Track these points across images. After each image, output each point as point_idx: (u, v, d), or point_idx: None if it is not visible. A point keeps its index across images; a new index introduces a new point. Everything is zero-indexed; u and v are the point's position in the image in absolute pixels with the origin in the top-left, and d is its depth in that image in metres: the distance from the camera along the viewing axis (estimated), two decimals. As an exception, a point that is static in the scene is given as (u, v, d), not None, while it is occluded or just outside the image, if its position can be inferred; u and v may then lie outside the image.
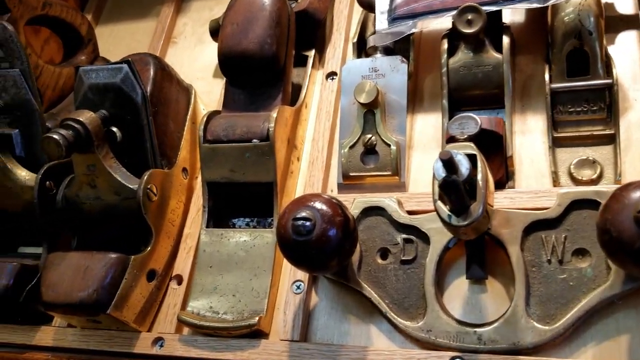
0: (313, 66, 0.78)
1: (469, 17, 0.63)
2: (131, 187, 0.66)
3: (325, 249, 0.54)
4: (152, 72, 0.71)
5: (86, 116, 0.64)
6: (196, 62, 0.88)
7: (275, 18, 0.70)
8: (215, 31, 0.83)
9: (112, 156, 0.67)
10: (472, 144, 0.53)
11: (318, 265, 0.56)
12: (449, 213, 0.51)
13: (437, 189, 0.51)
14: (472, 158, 0.51)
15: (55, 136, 0.61)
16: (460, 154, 0.49)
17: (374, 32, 0.76)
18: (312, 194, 0.57)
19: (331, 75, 0.76)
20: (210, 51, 0.88)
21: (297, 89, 0.77)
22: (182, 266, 0.70)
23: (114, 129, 0.67)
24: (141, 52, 0.75)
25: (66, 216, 0.68)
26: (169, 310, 0.67)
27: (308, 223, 0.53)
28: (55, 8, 0.79)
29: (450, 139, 0.58)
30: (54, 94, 0.78)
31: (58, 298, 0.62)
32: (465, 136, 0.56)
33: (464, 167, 0.48)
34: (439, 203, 0.51)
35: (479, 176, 0.51)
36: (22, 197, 0.72)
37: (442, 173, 0.48)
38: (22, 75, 0.71)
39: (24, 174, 0.71)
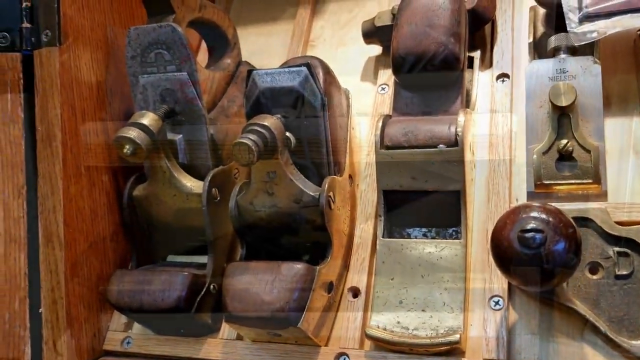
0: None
1: (685, 14, 0.58)
2: (312, 194, 0.63)
3: (555, 264, 0.50)
4: (321, 76, 0.68)
5: (270, 121, 0.61)
6: (340, 66, 0.84)
7: (457, 17, 0.66)
8: (369, 33, 0.80)
9: (291, 163, 0.64)
10: None
11: (542, 281, 0.52)
12: None
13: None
14: None
15: (248, 142, 0.58)
16: None
17: (545, 32, 0.72)
18: (529, 203, 0.53)
19: (502, 77, 0.72)
20: (354, 54, 0.85)
21: (461, 92, 0.73)
22: (357, 278, 0.66)
23: (288, 134, 0.65)
24: (306, 55, 0.72)
25: (238, 224, 0.66)
26: (349, 324, 0.64)
27: (539, 235, 0.49)
28: (208, 10, 0.77)
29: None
30: (208, 99, 0.75)
31: (246, 310, 0.59)
32: None
33: None
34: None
35: None
36: (185, 205, 0.70)
37: None
38: (190, 79, 0.69)
39: (190, 184, 0.69)
